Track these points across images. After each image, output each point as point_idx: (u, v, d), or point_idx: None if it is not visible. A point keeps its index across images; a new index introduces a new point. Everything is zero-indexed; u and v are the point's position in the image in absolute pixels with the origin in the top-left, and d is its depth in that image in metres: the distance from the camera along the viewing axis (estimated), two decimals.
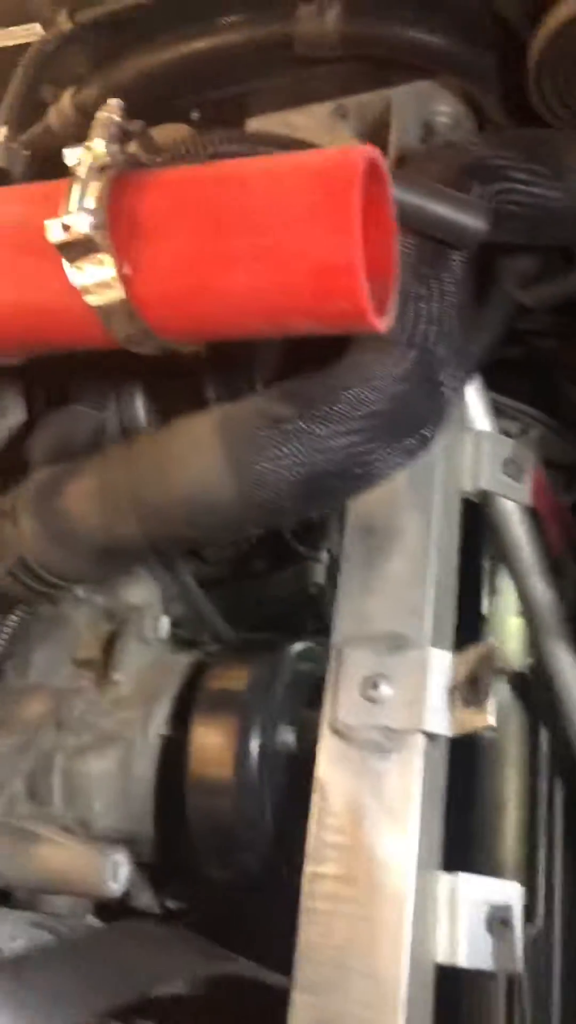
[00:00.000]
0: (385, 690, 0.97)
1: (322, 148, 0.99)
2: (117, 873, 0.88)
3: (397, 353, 0.93)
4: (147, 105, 1.34)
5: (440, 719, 0.95)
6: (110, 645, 1.19)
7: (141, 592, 1.23)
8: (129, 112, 0.94)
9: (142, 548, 0.95)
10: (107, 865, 0.87)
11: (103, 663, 1.17)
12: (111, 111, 0.88)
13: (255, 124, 1.42)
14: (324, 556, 1.49)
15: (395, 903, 0.90)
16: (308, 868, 0.93)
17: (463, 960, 0.94)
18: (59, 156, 1.49)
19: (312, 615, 1.60)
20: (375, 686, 0.97)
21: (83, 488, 0.96)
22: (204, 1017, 0.78)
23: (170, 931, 0.81)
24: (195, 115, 1.47)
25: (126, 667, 1.14)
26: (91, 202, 0.82)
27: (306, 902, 0.92)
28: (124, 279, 0.83)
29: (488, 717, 0.91)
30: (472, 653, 0.97)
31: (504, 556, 1.29)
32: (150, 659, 1.18)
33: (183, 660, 1.18)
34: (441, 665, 0.97)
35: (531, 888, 1.22)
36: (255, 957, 1.03)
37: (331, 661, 1.00)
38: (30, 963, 0.60)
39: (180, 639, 1.30)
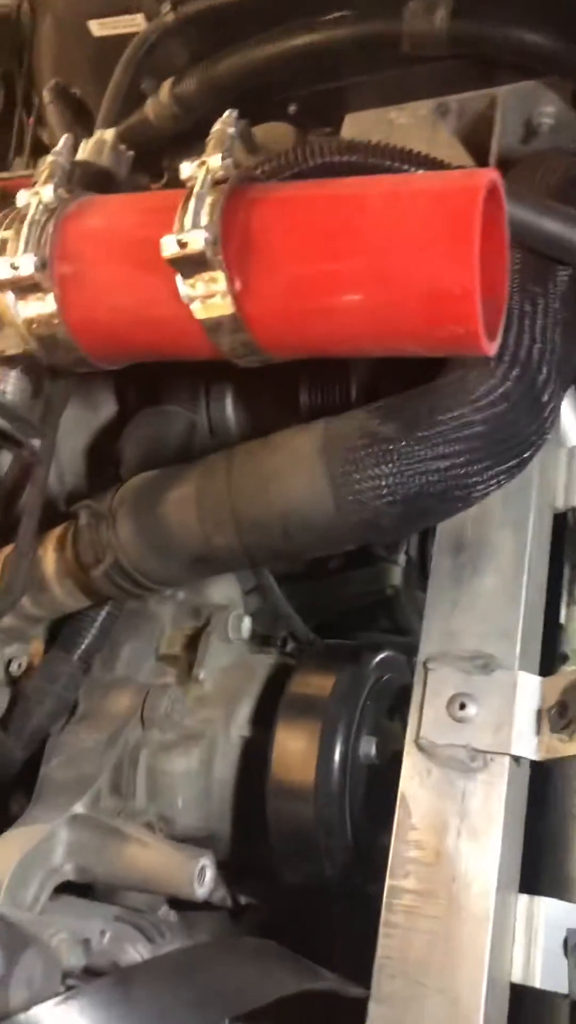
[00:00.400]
0: (472, 710, 0.97)
1: (429, 155, 0.98)
2: (203, 877, 0.90)
3: (500, 372, 0.92)
4: (244, 98, 1.35)
5: (527, 744, 0.95)
6: (193, 642, 1.20)
7: (224, 590, 1.24)
8: (226, 104, 0.94)
9: (238, 558, 0.96)
10: (194, 869, 0.89)
11: (186, 660, 1.19)
12: (227, 124, 0.87)
13: (353, 119, 1.40)
14: (401, 559, 1.50)
15: (475, 922, 0.91)
16: (389, 881, 0.94)
17: (539, 982, 0.94)
18: (154, 146, 1.50)
19: (386, 616, 1.61)
20: (462, 706, 0.97)
21: (182, 496, 0.97)
22: None
23: (265, 946, 0.82)
24: (292, 109, 1.46)
25: (209, 666, 1.16)
26: (205, 218, 0.82)
27: (385, 915, 0.93)
28: (234, 295, 0.84)
29: None
30: (562, 679, 0.96)
31: None
32: (232, 659, 1.19)
33: (265, 661, 1.19)
34: (530, 689, 0.97)
35: None
36: (327, 963, 1.04)
37: (417, 677, 1.01)
38: (136, 978, 0.62)
39: (254, 634, 1.31)
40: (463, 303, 0.76)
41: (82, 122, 1.54)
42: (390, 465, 0.88)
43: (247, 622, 1.22)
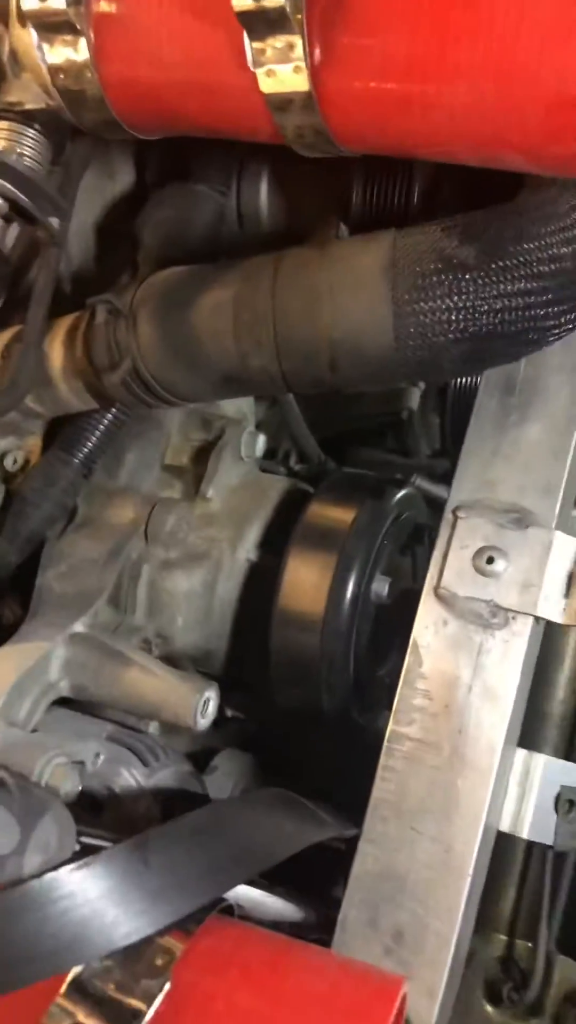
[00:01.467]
0: (500, 565, 0.92)
1: None
2: (206, 709, 0.87)
3: None
4: None
5: (554, 607, 0.91)
6: (201, 455, 1.12)
7: (238, 402, 1.15)
8: None
9: (275, 383, 0.85)
10: (199, 701, 0.86)
11: (193, 473, 1.11)
12: None
13: None
14: (422, 383, 1.39)
15: (477, 776, 0.90)
16: (392, 726, 0.92)
17: (526, 832, 0.96)
18: None
19: (395, 436, 1.53)
20: (490, 560, 0.92)
21: (217, 303, 0.85)
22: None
23: (276, 797, 0.80)
24: None
25: (218, 483, 1.08)
26: None
27: (384, 759, 0.92)
28: (313, 67, 0.69)
29: None
30: None
31: None
32: (242, 477, 1.12)
33: (277, 484, 1.12)
34: (565, 549, 0.92)
35: None
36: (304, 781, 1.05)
37: (444, 523, 0.94)
38: (153, 844, 0.59)
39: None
40: None
41: None
42: (464, 296, 0.77)
43: (261, 440, 1.13)
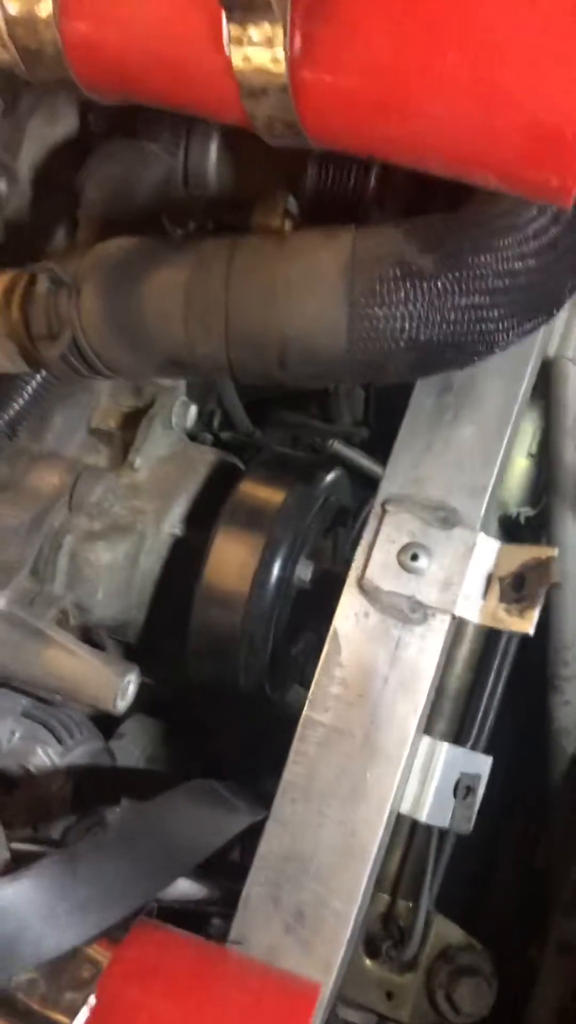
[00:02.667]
0: (423, 562, 0.94)
1: None
2: (127, 692, 0.87)
3: (550, 213, 0.80)
4: None
5: (472, 607, 0.94)
6: (130, 421, 1.10)
7: None
8: None
9: (220, 371, 0.83)
10: (120, 685, 0.85)
11: (120, 440, 1.09)
12: None
13: None
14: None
15: (386, 764, 0.93)
16: (307, 712, 0.94)
17: (424, 816, 1.00)
18: None
19: (317, 403, 1.52)
20: (415, 557, 0.94)
21: (167, 284, 0.82)
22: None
23: (195, 790, 0.80)
24: None
25: (147, 453, 1.06)
26: None
27: (297, 744, 0.94)
28: (291, 58, 0.66)
29: (529, 626, 0.90)
30: (523, 551, 0.94)
31: (548, 413, 1.23)
32: (170, 447, 1.10)
33: (206, 457, 1.11)
34: (487, 552, 0.94)
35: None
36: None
37: (372, 516, 0.96)
38: (81, 855, 0.59)
39: None
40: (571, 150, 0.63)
41: None
42: (418, 305, 0.77)
43: (193, 410, 1.11)
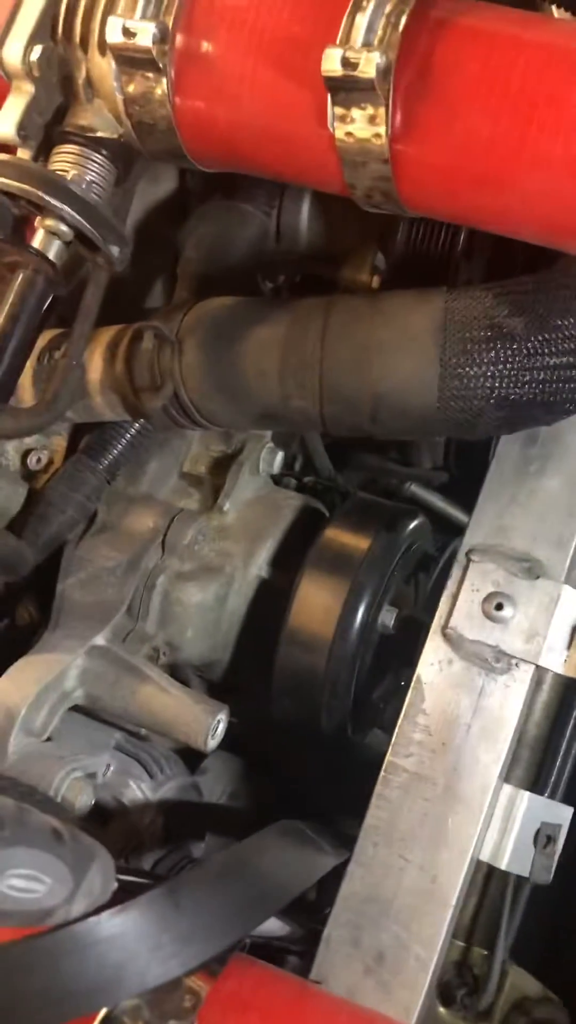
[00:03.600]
0: (508, 612, 0.95)
1: None
2: (216, 730, 0.90)
3: None
4: None
5: (556, 658, 0.95)
6: (219, 466, 1.14)
7: None
8: None
9: (312, 423, 0.87)
10: (211, 723, 0.88)
11: (210, 484, 1.13)
12: None
13: None
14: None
15: (468, 812, 0.94)
16: (389, 757, 0.96)
17: (504, 863, 1.00)
18: None
19: (398, 447, 1.55)
20: (499, 607, 0.95)
21: (265, 342, 0.87)
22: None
23: (285, 831, 0.83)
24: None
25: (236, 497, 1.10)
26: (379, 33, 0.67)
27: (380, 788, 0.95)
28: (392, 135, 0.70)
29: None
30: None
31: None
32: (257, 492, 1.14)
33: (291, 502, 1.14)
34: (572, 603, 0.95)
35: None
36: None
37: (457, 564, 0.97)
38: (183, 888, 0.62)
39: None
40: None
41: None
42: (509, 365, 0.79)
43: (279, 456, 1.15)
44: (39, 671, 0.86)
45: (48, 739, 0.88)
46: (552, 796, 1.15)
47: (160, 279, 1.15)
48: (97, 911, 0.58)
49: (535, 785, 1.17)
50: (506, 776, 1.06)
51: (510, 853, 1.01)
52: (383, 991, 0.90)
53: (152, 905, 0.60)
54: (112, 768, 0.89)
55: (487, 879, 1.19)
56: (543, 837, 1.03)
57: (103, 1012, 0.57)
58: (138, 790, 0.89)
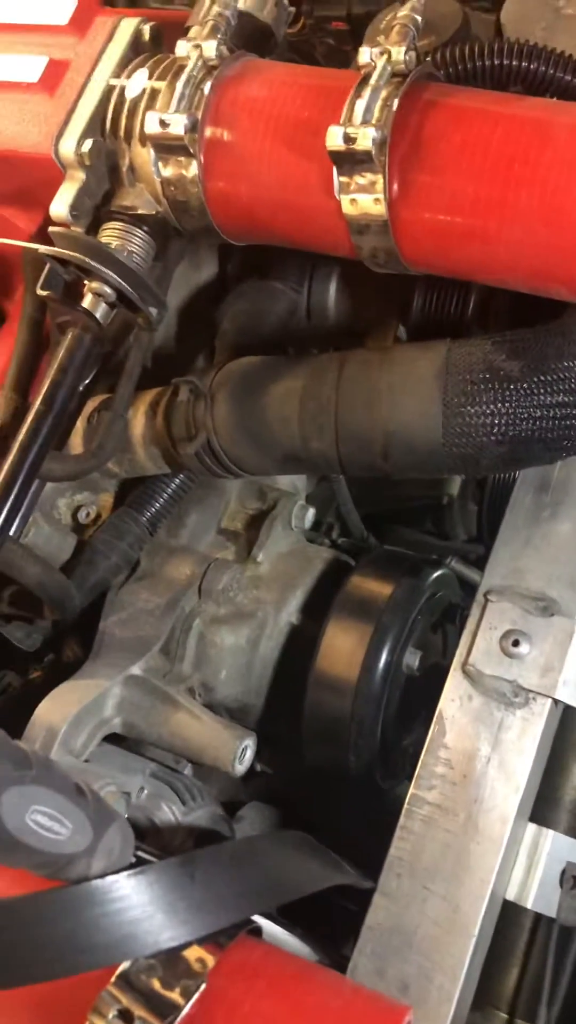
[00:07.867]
0: (524, 648, 0.99)
1: None
2: (244, 756, 0.95)
3: None
4: None
5: (572, 691, 0.98)
6: (255, 522, 1.22)
7: (292, 477, 1.25)
8: None
9: (331, 465, 0.95)
10: (238, 747, 0.93)
11: (246, 538, 1.21)
12: (415, 10, 0.81)
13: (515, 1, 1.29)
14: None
15: (489, 843, 0.96)
16: (413, 790, 0.99)
17: (530, 902, 1.01)
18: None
19: (433, 519, 1.62)
20: (516, 643, 0.99)
21: (286, 392, 0.96)
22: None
23: (303, 840, 0.87)
24: None
25: (269, 549, 1.18)
26: (376, 113, 0.77)
27: (404, 820, 0.98)
28: (390, 200, 0.80)
29: None
30: None
31: None
32: (290, 545, 1.21)
33: (321, 554, 1.21)
34: None
35: None
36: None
37: (475, 605, 1.03)
38: (199, 863, 0.67)
39: None
40: None
41: None
42: (507, 404, 0.86)
43: (311, 513, 1.23)
44: (79, 693, 0.93)
45: (86, 762, 0.94)
46: None
47: (202, 354, 1.26)
48: (116, 872, 0.63)
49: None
50: (547, 820, 1.08)
51: (535, 892, 1.02)
52: None
53: (168, 872, 0.64)
54: (146, 791, 0.94)
55: (529, 946, 1.18)
56: (569, 877, 1.04)
57: (121, 967, 0.61)
58: (170, 812, 0.94)
